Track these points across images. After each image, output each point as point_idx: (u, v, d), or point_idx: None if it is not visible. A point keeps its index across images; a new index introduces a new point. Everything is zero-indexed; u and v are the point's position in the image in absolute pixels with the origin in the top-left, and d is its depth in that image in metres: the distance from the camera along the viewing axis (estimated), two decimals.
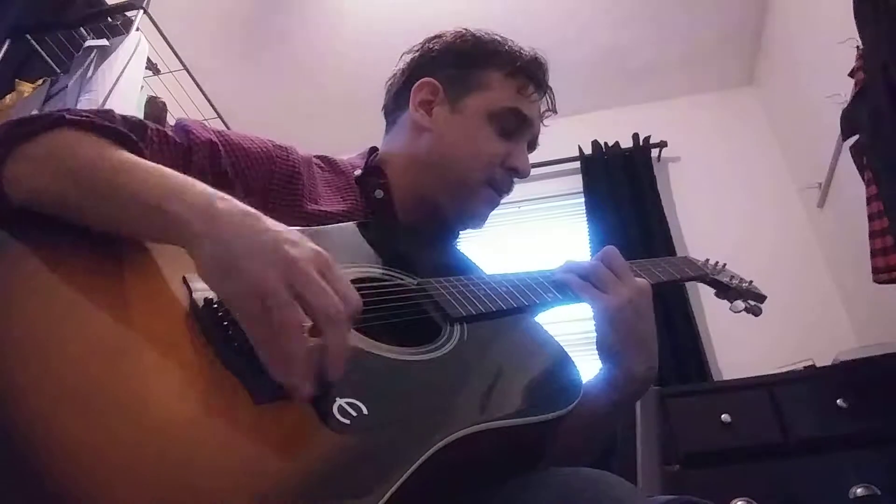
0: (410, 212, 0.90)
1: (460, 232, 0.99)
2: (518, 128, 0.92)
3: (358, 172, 0.92)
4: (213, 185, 0.58)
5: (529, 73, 0.93)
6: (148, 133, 0.73)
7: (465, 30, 0.96)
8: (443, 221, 0.93)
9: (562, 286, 0.83)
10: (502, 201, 0.95)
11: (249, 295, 0.49)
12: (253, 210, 0.56)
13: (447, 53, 0.95)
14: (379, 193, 0.90)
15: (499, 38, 0.95)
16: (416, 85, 0.93)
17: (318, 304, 0.50)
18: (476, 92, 0.91)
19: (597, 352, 0.79)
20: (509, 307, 0.75)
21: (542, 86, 0.95)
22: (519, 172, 0.91)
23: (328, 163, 0.93)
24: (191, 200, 0.55)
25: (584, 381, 0.76)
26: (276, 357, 0.49)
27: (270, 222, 0.55)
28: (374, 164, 0.93)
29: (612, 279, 0.80)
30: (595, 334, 0.78)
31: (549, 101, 0.98)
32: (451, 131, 0.90)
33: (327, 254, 0.54)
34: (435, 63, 0.94)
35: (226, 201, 0.56)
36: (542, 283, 0.84)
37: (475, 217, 0.92)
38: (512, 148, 0.91)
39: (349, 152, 0.99)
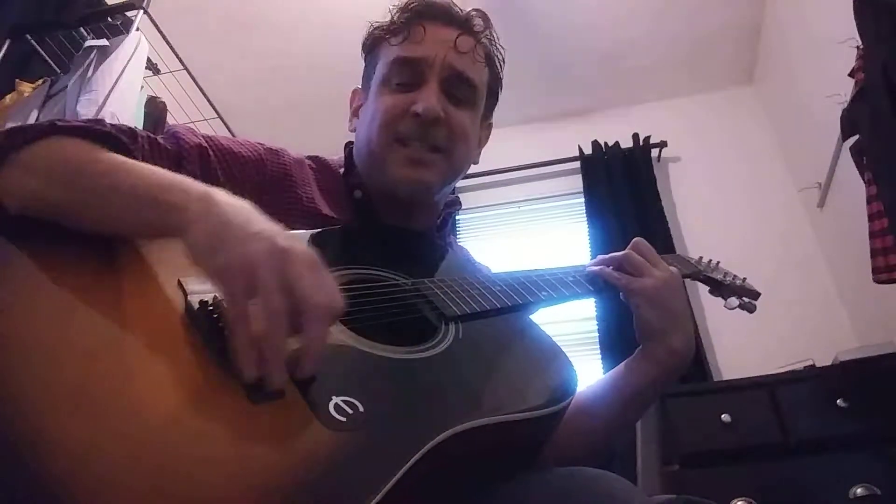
0: (386, 208, 0.89)
1: (452, 224, 0.98)
2: (412, 73, 0.86)
3: (341, 171, 0.93)
4: None
5: (404, 20, 0.88)
6: (139, 141, 0.73)
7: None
8: (402, 206, 0.89)
9: (594, 278, 0.86)
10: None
11: (238, 272, 0.50)
12: (249, 204, 0.57)
13: (363, 53, 0.96)
14: (357, 193, 0.90)
15: (392, 10, 0.91)
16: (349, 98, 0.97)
17: (308, 296, 0.50)
18: (374, 74, 0.91)
19: (637, 332, 0.82)
20: (504, 306, 0.76)
21: (421, 16, 0.88)
22: (418, 115, 0.83)
23: (320, 163, 0.93)
24: (187, 189, 0.57)
25: (615, 367, 0.83)
26: (247, 342, 0.48)
27: (265, 219, 0.56)
28: (350, 163, 0.94)
29: (646, 264, 0.83)
30: (634, 317, 0.82)
31: (455, 14, 0.90)
32: (362, 118, 0.92)
33: (316, 256, 0.54)
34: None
35: (223, 195, 0.57)
36: (556, 279, 0.84)
37: (401, 181, 0.85)
38: (412, 97, 0.85)
39: None
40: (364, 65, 0.95)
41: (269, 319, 0.48)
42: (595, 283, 0.86)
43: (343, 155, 0.97)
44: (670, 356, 0.79)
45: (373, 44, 0.93)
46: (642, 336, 0.81)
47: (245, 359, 0.48)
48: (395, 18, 0.89)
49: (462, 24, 0.89)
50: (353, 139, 0.97)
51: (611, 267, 0.86)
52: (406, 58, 0.86)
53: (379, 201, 0.89)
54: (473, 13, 0.91)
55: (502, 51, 0.95)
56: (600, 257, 0.88)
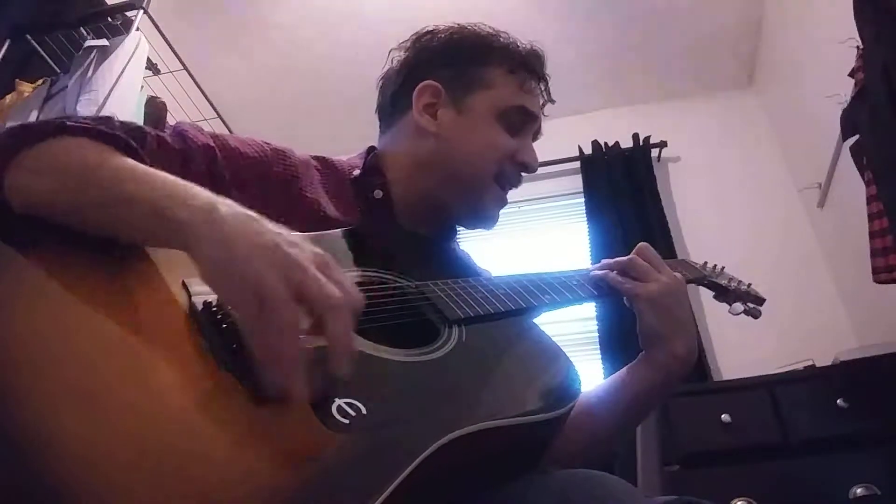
0: (411, 212, 0.90)
1: (460, 230, 0.99)
2: (524, 124, 0.93)
3: (356, 172, 0.92)
4: (211, 189, 0.58)
5: (529, 66, 0.94)
6: (147, 140, 0.73)
7: (458, 25, 0.96)
8: (450, 222, 0.93)
9: (599, 282, 0.86)
10: None
11: (249, 295, 0.48)
12: (256, 214, 0.55)
13: (444, 52, 0.94)
14: (378, 193, 0.89)
15: (493, 31, 0.95)
16: (417, 89, 0.92)
17: (316, 294, 0.49)
18: (480, 91, 0.91)
19: (640, 338, 0.82)
20: (507, 309, 0.75)
21: (541, 77, 0.96)
22: (528, 167, 0.92)
23: (326, 164, 0.92)
24: (193, 205, 0.55)
25: (617, 370, 0.84)
26: (272, 358, 0.48)
27: (272, 225, 0.54)
28: (372, 164, 0.93)
29: (651, 269, 0.84)
30: (638, 322, 0.82)
31: (547, 92, 0.98)
32: (460, 133, 0.90)
33: (327, 255, 0.53)
34: (432, 63, 0.93)
35: (228, 206, 0.55)
36: (559, 282, 0.84)
37: (485, 217, 0.93)
38: (519, 143, 0.92)
39: (350, 153, 0.98)
40: (453, 63, 0.93)
41: (279, 333, 0.48)
42: (599, 288, 0.86)
43: (355, 156, 0.96)
44: (673, 361, 0.80)
45: (478, 53, 0.93)
46: (645, 341, 0.82)
47: (270, 373, 0.48)
48: (520, 57, 0.93)
49: (545, 86, 0.97)
50: (372, 143, 0.97)
51: (615, 271, 0.86)
52: (528, 110, 0.92)
53: (403, 205, 0.90)
54: (548, 76, 0.98)
55: None
56: (604, 261, 0.89)
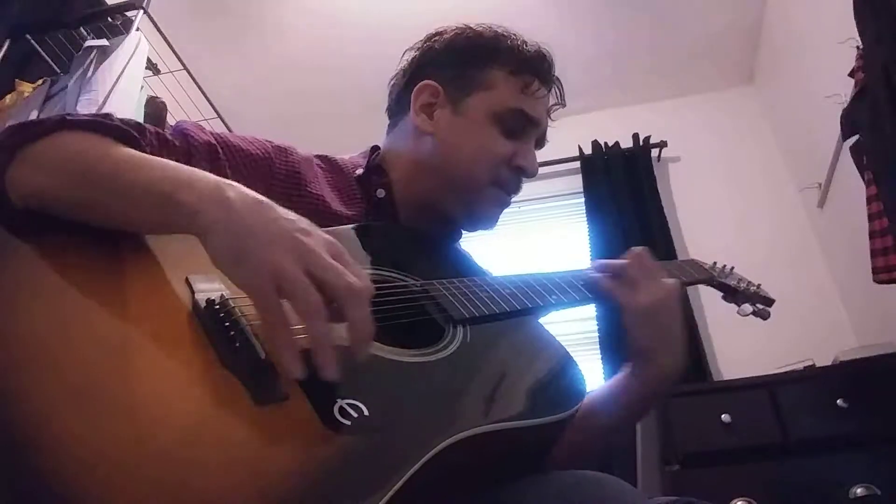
0: (413, 212, 0.90)
1: (463, 232, 0.99)
2: (524, 128, 0.90)
3: (360, 171, 0.92)
4: None
5: (533, 69, 0.91)
6: (147, 136, 0.73)
7: (466, 26, 0.94)
8: (450, 224, 0.93)
9: (593, 285, 0.84)
10: None
11: (265, 281, 0.49)
12: (263, 197, 0.56)
13: (447, 52, 0.93)
14: (380, 192, 0.90)
15: (502, 33, 0.93)
16: (416, 88, 0.91)
17: (337, 282, 0.50)
18: (478, 92, 0.89)
19: (627, 350, 0.81)
20: (513, 309, 0.75)
21: (547, 81, 0.94)
22: (526, 172, 0.91)
23: (328, 162, 0.92)
24: (200, 189, 0.55)
25: (604, 379, 0.80)
26: (290, 345, 0.49)
27: (281, 210, 0.55)
28: (375, 163, 0.93)
29: (644, 279, 0.81)
30: (626, 332, 0.80)
31: (557, 94, 0.97)
32: (454, 134, 0.89)
33: (338, 243, 0.55)
34: (435, 63, 0.93)
35: (235, 188, 0.56)
36: (565, 282, 0.84)
37: (484, 219, 0.92)
38: (518, 147, 0.90)
39: (350, 152, 0.99)
40: (455, 64, 0.91)
41: (310, 317, 0.49)
42: (594, 291, 0.84)
43: (357, 154, 0.96)
44: (659, 377, 0.79)
45: (480, 54, 0.91)
46: (632, 354, 0.81)
47: (291, 361, 0.49)
48: (524, 59, 0.91)
49: (554, 90, 0.96)
50: (376, 142, 0.97)
51: (609, 274, 0.84)
52: (527, 114, 0.90)
53: (405, 205, 0.90)
54: (557, 78, 0.96)
55: None
56: (600, 263, 0.87)
